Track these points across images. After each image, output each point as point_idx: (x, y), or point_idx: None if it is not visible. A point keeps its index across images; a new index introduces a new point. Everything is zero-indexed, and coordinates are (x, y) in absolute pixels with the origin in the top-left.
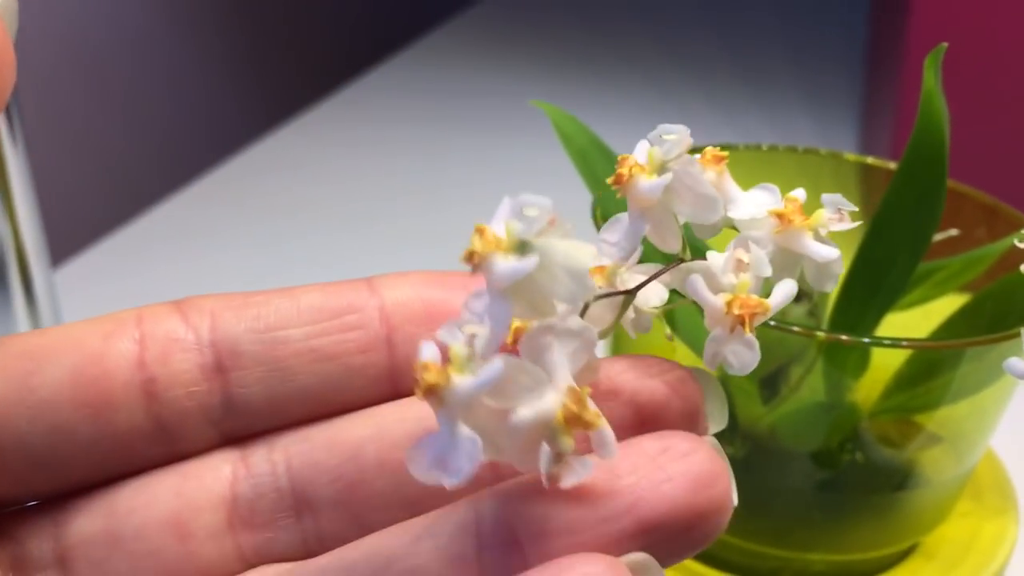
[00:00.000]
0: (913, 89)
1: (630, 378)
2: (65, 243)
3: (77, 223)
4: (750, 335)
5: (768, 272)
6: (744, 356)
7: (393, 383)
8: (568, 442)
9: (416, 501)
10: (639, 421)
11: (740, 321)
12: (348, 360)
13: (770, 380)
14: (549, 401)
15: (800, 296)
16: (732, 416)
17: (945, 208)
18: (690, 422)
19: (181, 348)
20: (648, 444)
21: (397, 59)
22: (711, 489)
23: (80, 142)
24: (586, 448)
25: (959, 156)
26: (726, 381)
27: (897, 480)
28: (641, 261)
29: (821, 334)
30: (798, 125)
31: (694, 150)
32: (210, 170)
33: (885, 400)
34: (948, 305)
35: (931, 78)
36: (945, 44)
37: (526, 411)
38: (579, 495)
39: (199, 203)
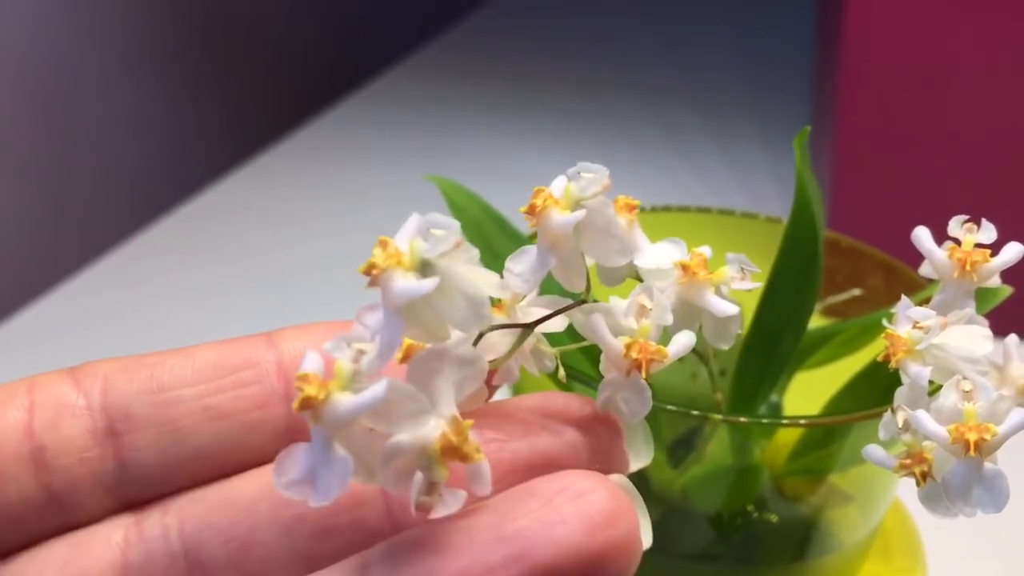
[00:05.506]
0: (847, 124)
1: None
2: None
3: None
4: (644, 382)
5: (669, 320)
6: (635, 404)
7: (293, 438)
8: (442, 472)
9: (309, 557)
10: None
11: (637, 365)
12: (244, 417)
13: (681, 444)
14: (429, 429)
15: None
16: (645, 479)
17: (846, 267)
18: (604, 460)
19: (71, 414)
20: (545, 485)
21: (351, 101)
22: (610, 530)
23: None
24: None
25: (899, 201)
26: None
27: (807, 536)
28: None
29: (715, 416)
30: (751, 158)
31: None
32: (153, 222)
33: (792, 461)
34: (858, 361)
35: (800, 160)
36: (808, 128)
37: (404, 437)
38: (468, 542)
39: (144, 255)
